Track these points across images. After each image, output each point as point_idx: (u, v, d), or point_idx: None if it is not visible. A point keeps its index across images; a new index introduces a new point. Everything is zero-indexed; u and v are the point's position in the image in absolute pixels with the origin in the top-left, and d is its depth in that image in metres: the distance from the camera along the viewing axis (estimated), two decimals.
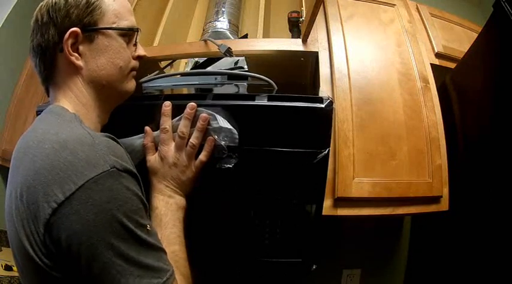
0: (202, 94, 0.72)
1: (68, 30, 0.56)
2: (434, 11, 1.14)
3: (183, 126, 0.65)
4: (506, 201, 0.77)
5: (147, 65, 1.01)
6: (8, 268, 1.23)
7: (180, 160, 0.65)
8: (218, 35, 1.12)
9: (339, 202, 0.83)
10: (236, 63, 1.09)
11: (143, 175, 0.55)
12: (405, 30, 1.01)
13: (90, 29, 0.59)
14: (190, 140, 0.65)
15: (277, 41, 0.97)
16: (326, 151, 0.63)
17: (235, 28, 1.20)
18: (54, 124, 0.53)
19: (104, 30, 0.60)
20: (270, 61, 0.97)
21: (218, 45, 0.89)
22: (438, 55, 1.04)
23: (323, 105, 0.62)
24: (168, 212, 0.62)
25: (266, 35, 1.13)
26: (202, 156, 0.66)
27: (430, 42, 1.05)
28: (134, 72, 0.65)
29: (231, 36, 1.14)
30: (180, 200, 0.65)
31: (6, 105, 1.52)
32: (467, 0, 1.61)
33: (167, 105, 0.66)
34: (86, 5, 0.59)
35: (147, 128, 0.67)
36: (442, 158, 0.88)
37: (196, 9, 1.46)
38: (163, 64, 1.07)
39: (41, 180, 0.45)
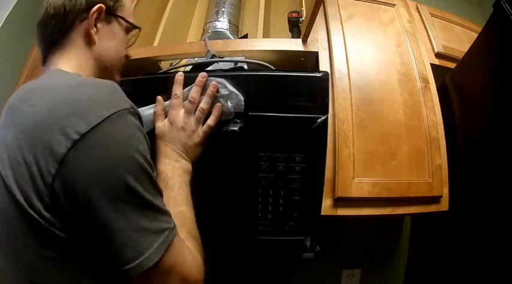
0: (212, 70, 0.77)
1: (96, 4, 0.58)
2: (434, 11, 1.14)
3: (194, 92, 0.68)
4: (506, 201, 0.77)
5: (147, 65, 1.01)
6: None
7: (188, 124, 0.67)
8: (218, 35, 1.12)
9: (339, 202, 0.83)
10: (236, 63, 1.09)
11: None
12: (405, 30, 1.01)
13: (111, 13, 0.61)
14: (200, 105, 0.68)
15: (277, 41, 0.97)
16: (324, 117, 0.69)
17: (235, 28, 1.20)
18: (61, 75, 0.53)
19: (120, 19, 0.63)
20: (270, 61, 0.97)
21: (207, 50, 0.90)
22: (438, 55, 1.04)
23: (320, 75, 0.71)
24: (174, 175, 0.63)
25: (266, 35, 1.13)
26: (210, 121, 0.68)
27: (430, 42, 1.05)
28: (121, 69, 0.68)
29: (231, 36, 1.13)
30: (186, 165, 0.66)
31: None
32: (467, 0, 1.61)
33: (180, 75, 0.70)
34: None
35: (159, 97, 0.70)
36: (442, 158, 0.88)
37: (196, 9, 1.46)
38: (163, 64, 1.07)
39: (58, 114, 0.42)
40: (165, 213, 0.47)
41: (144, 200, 0.44)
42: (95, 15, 0.58)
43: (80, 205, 0.41)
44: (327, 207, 0.82)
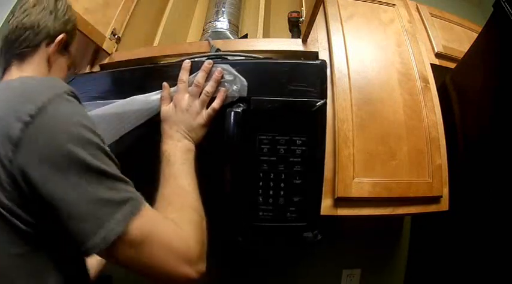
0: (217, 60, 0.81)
1: (62, 33, 0.61)
2: (434, 11, 1.14)
3: (199, 77, 0.72)
4: (506, 200, 0.77)
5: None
6: None
7: (193, 106, 0.70)
8: (218, 35, 1.12)
9: (339, 202, 0.83)
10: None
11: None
12: (405, 30, 1.01)
13: (67, 46, 0.65)
14: (205, 88, 0.71)
15: (277, 41, 0.97)
16: (323, 101, 0.74)
17: (235, 28, 1.20)
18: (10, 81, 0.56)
19: (69, 55, 0.66)
20: None
21: (211, 45, 0.93)
22: (438, 55, 1.04)
23: (318, 62, 0.77)
24: (176, 152, 0.64)
25: (266, 35, 1.13)
26: (215, 104, 0.71)
27: (430, 42, 1.05)
28: None
29: (231, 36, 1.13)
30: (190, 145, 0.67)
31: None
32: (467, 0, 1.61)
33: (187, 62, 0.74)
34: (74, 24, 0.65)
35: (165, 83, 0.73)
36: (442, 158, 0.88)
37: (196, 9, 1.46)
38: None
39: (12, 104, 0.44)
40: (126, 182, 0.46)
41: (98, 169, 0.43)
42: (59, 44, 0.61)
43: (36, 186, 0.41)
44: (327, 206, 0.82)
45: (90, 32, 0.96)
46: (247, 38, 1.14)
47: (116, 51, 1.03)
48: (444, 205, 0.87)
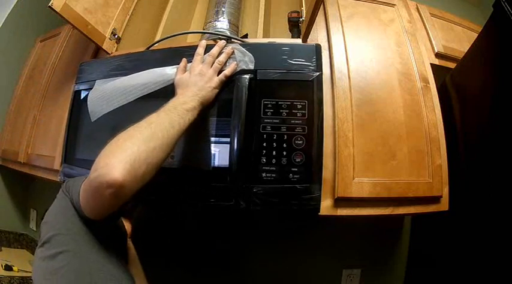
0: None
1: None
2: (434, 11, 1.14)
3: (214, 50, 0.83)
4: (506, 200, 0.77)
5: None
6: (8, 268, 1.23)
7: (206, 72, 0.79)
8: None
9: (339, 202, 0.83)
10: None
11: None
12: (405, 30, 1.01)
13: None
14: (218, 58, 0.82)
15: (277, 41, 0.97)
16: (319, 73, 0.83)
17: (235, 28, 1.20)
18: None
19: None
20: None
21: (221, 35, 1.00)
22: (438, 55, 1.04)
23: (314, 44, 0.87)
24: (167, 105, 0.69)
25: (266, 35, 1.13)
26: (226, 71, 0.81)
27: (430, 42, 1.05)
28: None
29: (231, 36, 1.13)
30: (193, 103, 0.72)
31: (6, 105, 1.53)
32: (467, 0, 1.61)
33: (204, 41, 0.86)
34: None
35: (184, 58, 0.84)
36: (442, 158, 0.88)
37: (196, 9, 1.46)
38: None
39: None
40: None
41: None
42: None
43: None
44: (327, 206, 0.82)
45: (90, 32, 0.96)
46: (247, 37, 1.14)
47: (116, 51, 1.03)
48: (444, 205, 0.87)
